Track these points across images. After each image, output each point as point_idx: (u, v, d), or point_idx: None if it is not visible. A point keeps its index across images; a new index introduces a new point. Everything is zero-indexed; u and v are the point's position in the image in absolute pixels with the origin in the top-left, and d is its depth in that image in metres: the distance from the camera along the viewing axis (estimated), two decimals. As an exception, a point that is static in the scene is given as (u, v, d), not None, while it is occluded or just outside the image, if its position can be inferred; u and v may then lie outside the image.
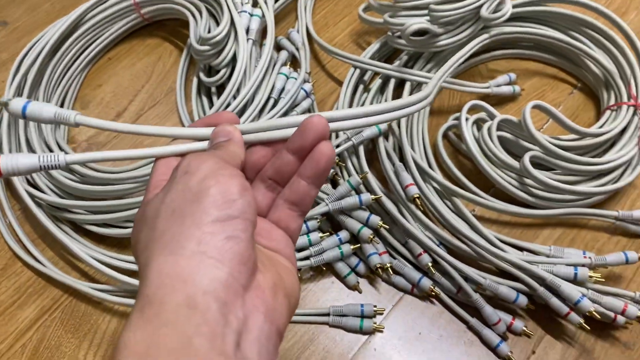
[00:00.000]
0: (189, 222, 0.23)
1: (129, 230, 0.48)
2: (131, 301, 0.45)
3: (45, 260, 0.49)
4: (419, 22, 0.49)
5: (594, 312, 0.41)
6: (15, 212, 0.52)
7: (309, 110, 0.54)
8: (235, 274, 0.22)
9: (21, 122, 0.52)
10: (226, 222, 0.23)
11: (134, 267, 0.47)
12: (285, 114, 0.51)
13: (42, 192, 0.49)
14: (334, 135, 0.52)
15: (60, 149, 0.52)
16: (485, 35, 0.52)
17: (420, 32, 0.51)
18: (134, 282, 0.45)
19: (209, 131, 0.28)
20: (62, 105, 0.58)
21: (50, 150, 0.52)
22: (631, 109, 0.50)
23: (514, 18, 0.55)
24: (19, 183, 0.49)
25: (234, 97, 0.50)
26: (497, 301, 0.45)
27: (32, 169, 0.28)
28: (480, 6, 0.50)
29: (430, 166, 0.50)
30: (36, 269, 0.48)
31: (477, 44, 0.51)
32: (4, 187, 0.53)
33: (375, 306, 0.45)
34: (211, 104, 0.54)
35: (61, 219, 0.50)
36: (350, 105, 0.54)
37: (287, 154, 0.27)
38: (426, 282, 0.45)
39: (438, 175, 0.49)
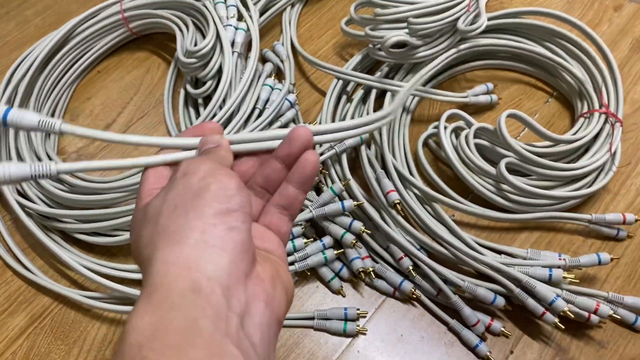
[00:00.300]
0: (191, 215, 0.24)
1: (118, 238, 0.49)
2: (121, 308, 0.46)
3: (36, 269, 0.49)
4: (398, 35, 0.51)
5: (567, 312, 0.43)
6: (6, 223, 0.53)
7: (293, 120, 0.55)
8: (237, 261, 0.23)
9: (11, 132, 0.54)
10: (227, 214, 0.24)
11: (123, 274, 0.48)
12: (270, 123, 0.52)
13: (32, 202, 0.50)
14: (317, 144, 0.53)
15: (50, 159, 0.53)
16: (453, 50, 0.54)
17: (400, 45, 0.53)
18: (124, 289, 0.46)
19: (196, 141, 0.30)
20: (52, 116, 0.59)
21: (40, 161, 0.53)
22: (603, 117, 0.52)
23: (490, 30, 0.58)
24: (9, 193, 0.50)
25: (220, 108, 0.52)
26: (476, 303, 0.46)
27: (23, 178, 0.28)
28: (457, 19, 0.52)
29: (411, 173, 0.52)
30: (26, 277, 0.49)
31: (441, 62, 0.53)
32: (-5, 197, 0.54)
33: (358, 309, 0.46)
34: (198, 115, 0.56)
35: (51, 228, 0.51)
36: (334, 115, 0.56)
37: (276, 162, 0.30)
38: (407, 285, 0.47)
39: (418, 181, 0.50)
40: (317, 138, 0.30)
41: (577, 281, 0.46)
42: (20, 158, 0.52)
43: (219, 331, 0.21)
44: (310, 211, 0.48)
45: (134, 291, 0.46)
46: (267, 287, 0.25)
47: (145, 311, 0.22)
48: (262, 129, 0.51)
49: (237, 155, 0.30)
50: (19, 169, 0.28)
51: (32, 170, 0.29)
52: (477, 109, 0.57)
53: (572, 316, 0.43)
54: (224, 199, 0.25)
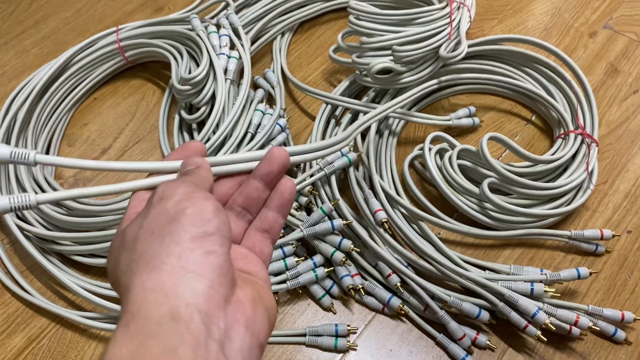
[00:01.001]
0: (168, 241, 0.24)
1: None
2: (102, 324, 0.48)
3: (34, 291, 0.51)
4: (382, 62, 0.54)
5: (549, 324, 0.44)
6: (4, 246, 0.54)
7: (284, 143, 0.57)
8: (216, 286, 0.23)
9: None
10: (204, 238, 0.24)
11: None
12: (262, 147, 0.54)
13: (31, 225, 0.52)
14: (307, 164, 0.55)
15: (49, 184, 0.55)
16: (434, 81, 0.57)
17: (385, 71, 0.56)
18: (120, 308, 0.47)
19: (179, 163, 0.31)
20: (49, 143, 0.61)
21: (40, 187, 0.55)
22: (579, 137, 0.54)
23: (471, 56, 0.61)
24: (8, 217, 0.52)
25: (214, 132, 0.54)
26: (462, 317, 0.48)
27: (3, 211, 0.29)
28: (439, 46, 0.55)
29: (397, 193, 0.54)
30: (24, 299, 0.50)
31: (419, 91, 0.56)
32: (-7, 221, 0.55)
33: (348, 325, 0.48)
34: (192, 139, 0.57)
35: (49, 250, 0.52)
36: (323, 138, 0.58)
37: (255, 181, 0.31)
38: (395, 301, 0.48)
39: (405, 201, 0.52)
40: (292, 158, 0.32)
41: (559, 295, 0.48)
42: (20, 185, 0.54)
43: (199, 359, 0.21)
44: (301, 230, 0.49)
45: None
46: (248, 311, 0.24)
47: (123, 340, 0.21)
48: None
49: (217, 178, 0.31)
50: None
51: (12, 203, 0.29)
52: (460, 131, 0.59)
53: (554, 328, 0.45)
54: (201, 223, 0.24)
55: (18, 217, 0.53)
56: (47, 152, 0.60)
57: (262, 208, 0.31)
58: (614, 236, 0.51)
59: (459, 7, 0.58)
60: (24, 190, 0.54)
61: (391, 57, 0.55)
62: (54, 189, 0.54)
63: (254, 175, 0.31)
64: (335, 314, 0.49)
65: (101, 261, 0.51)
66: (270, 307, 0.27)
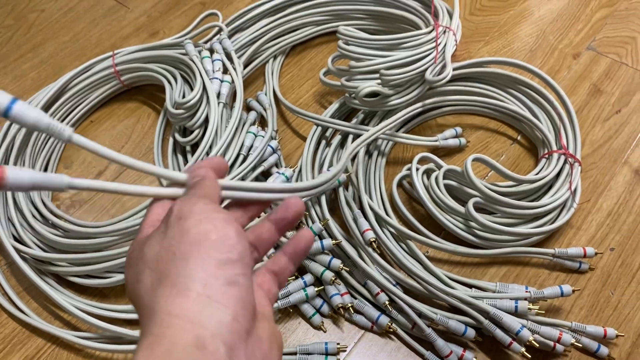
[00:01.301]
0: (192, 264, 0.24)
1: (109, 280, 0.52)
2: (112, 347, 0.49)
3: (30, 311, 0.52)
4: (370, 86, 0.56)
5: (532, 341, 0.45)
6: (2, 267, 0.55)
7: (275, 164, 0.59)
8: (240, 319, 0.24)
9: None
10: (227, 265, 0.25)
11: (115, 314, 0.50)
12: (253, 169, 0.56)
13: (28, 246, 0.53)
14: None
15: (45, 206, 0.56)
16: (418, 104, 0.59)
17: (373, 94, 0.57)
18: (115, 328, 0.49)
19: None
20: (47, 165, 0.62)
21: (37, 209, 0.56)
22: (562, 157, 0.56)
23: (457, 78, 0.62)
24: (5, 238, 0.53)
25: (207, 154, 0.55)
26: (449, 335, 0.49)
27: (33, 184, 0.27)
28: (425, 70, 0.57)
29: (386, 212, 0.55)
30: (21, 319, 0.51)
31: (401, 116, 0.58)
32: (-9, 243, 0.56)
33: (338, 344, 0.49)
34: (186, 161, 0.59)
35: (45, 271, 0.53)
36: (314, 159, 0.59)
37: (268, 222, 0.31)
38: (384, 320, 0.49)
39: (394, 220, 0.54)
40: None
41: (543, 312, 0.49)
42: (16, 205, 0.55)
43: None
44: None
45: (125, 330, 0.49)
46: (265, 348, 0.25)
47: None
48: (246, 174, 0.55)
49: (228, 204, 0.32)
50: (30, 173, 0.27)
51: (45, 180, 0.28)
52: (447, 152, 0.61)
53: (537, 345, 0.46)
54: (225, 249, 0.25)
55: (15, 239, 0.54)
56: (44, 175, 0.61)
57: (278, 252, 0.32)
58: (596, 254, 0.52)
59: (445, 32, 0.60)
60: (21, 213, 0.55)
61: (379, 81, 0.57)
62: (50, 211, 0.55)
63: (268, 218, 0.31)
64: (325, 332, 0.51)
65: (97, 282, 0.52)
66: (280, 343, 0.28)
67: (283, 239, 0.50)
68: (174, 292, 0.23)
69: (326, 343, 0.49)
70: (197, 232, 0.25)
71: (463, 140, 0.61)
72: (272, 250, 0.49)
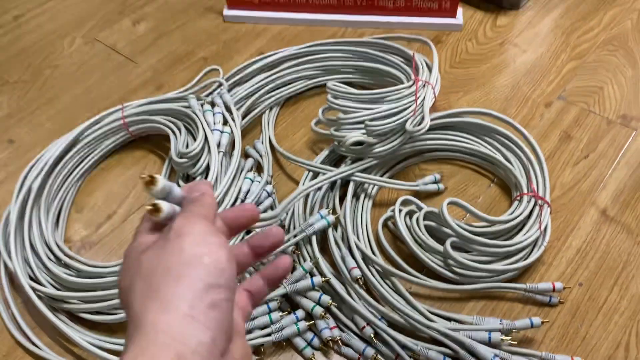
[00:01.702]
0: (182, 285, 0.26)
1: (117, 317, 0.56)
2: (118, 378, 0.53)
3: (43, 346, 0.56)
4: (356, 136, 0.61)
5: (504, 369, 0.50)
6: (18, 304, 0.59)
7: (271, 207, 0.64)
8: (217, 341, 0.26)
9: (25, 225, 0.62)
10: (214, 289, 0.27)
11: (122, 348, 0.54)
12: (250, 212, 0.61)
13: (42, 285, 0.58)
14: (292, 225, 0.62)
15: (59, 247, 0.61)
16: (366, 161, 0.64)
17: (359, 143, 0.63)
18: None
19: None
20: (60, 210, 0.67)
21: (51, 250, 0.61)
22: (532, 199, 0.61)
23: (437, 127, 0.68)
24: (22, 278, 0.57)
25: (207, 200, 0.60)
26: (430, 365, 0.53)
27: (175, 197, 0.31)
28: (406, 121, 0.62)
29: (372, 251, 0.60)
30: (35, 354, 0.56)
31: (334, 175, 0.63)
32: (8, 282, 0.61)
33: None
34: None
35: (58, 308, 0.58)
36: (305, 202, 0.65)
37: (245, 246, 0.34)
38: (370, 351, 0.54)
39: (379, 259, 0.58)
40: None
41: (516, 343, 0.53)
42: (33, 248, 0.60)
43: None
44: (285, 287, 0.55)
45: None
46: None
47: None
48: (243, 217, 0.60)
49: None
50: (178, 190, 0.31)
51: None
52: (428, 195, 0.66)
53: (509, 373, 0.50)
54: (215, 273, 0.27)
55: (30, 279, 0.59)
56: (58, 218, 0.66)
57: (256, 273, 0.35)
58: (564, 288, 0.57)
59: (424, 85, 0.66)
60: (37, 255, 0.60)
61: (364, 131, 0.62)
62: (63, 252, 0.60)
63: (246, 241, 0.34)
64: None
65: (106, 318, 0.56)
66: None
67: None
68: (162, 308, 0.26)
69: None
70: (192, 254, 0.27)
71: (441, 185, 0.66)
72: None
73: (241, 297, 0.34)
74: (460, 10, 0.86)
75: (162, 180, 0.30)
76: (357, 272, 0.56)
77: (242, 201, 0.62)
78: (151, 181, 0.30)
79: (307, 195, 0.66)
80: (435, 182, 0.66)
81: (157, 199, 0.30)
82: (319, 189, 0.66)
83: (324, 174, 0.64)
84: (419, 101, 0.64)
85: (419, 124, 0.63)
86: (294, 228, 0.61)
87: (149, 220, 0.32)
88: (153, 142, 0.74)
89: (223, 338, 0.27)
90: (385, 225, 0.63)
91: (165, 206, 0.30)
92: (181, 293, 0.26)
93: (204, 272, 0.27)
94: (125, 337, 0.27)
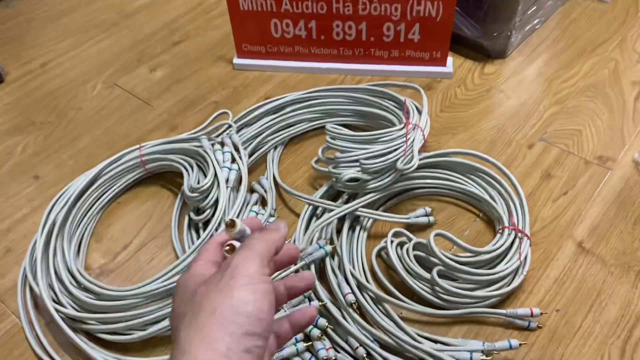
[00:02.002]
0: (225, 326, 0.30)
1: (131, 337, 0.61)
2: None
3: (64, 363, 0.61)
4: (351, 173, 0.68)
5: (484, 386, 0.54)
6: (42, 327, 0.65)
7: (273, 239, 0.70)
8: None
9: (50, 253, 0.68)
10: (250, 337, 0.30)
11: (135, 365, 0.60)
12: (254, 242, 0.67)
13: (64, 307, 0.63)
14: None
15: (80, 273, 0.66)
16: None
17: (354, 179, 0.69)
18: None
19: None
20: (81, 240, 0.73)
21: (74, 277, 0.66)
22: (513, 232, 0.67)
23: (427, 165, 0.75)
24: (47, 300, 0.63)
25: (216, 230, 0.66)
26: (417, 383, 0.58)
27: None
28: (397, 160, 0.69)
29: (366, 279, 0.66)
30: (56, 370, 0.61)
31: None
32: (33, 305, 0.66)
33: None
34: (198, 236, 0.70)
35: (77, 329, 0.63)
36: (306, 232, 0.70)
37: (282, 287, 0.39)
38: (362, 369, 0.59)
39: (372, 286, 0.64)
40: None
41: (496, 363, 0.58)
42: (57, 274, 0.66)
43: None
44: (285, 311, 0.61)
45: (143, 379, 0.58)
46: None
47: None
48: (248, 247, 0.66)
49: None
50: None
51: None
52: (419, 227, 0.72)
53: (489, 390, 0.55)
54: (255, 323, 0.30)
55: (54, 301, 0.64)
56: (79, 248, 0.72)
57: (283, 317, 0.39)
58: (542, 313, 0.62)
59: (414, 128, 0.73)
60: (60, 280, 0.66)
61: (359, 169, 0.69)
62: (84, 277, 0.66)
63: (283, 282, 0.39)
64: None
65: (121, 338, 0.61)
66: None
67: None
68: (204, 344, 0.30)
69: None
70: (239, 299, 0.31)
71: (432, 218, 0.72)
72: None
73: (270, 340, 0.38)
74: (450, 60, 0.94)
75: (239, 224, 0.36)
76: (351, 298, 0.61)
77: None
78: (232, 224, 0.35)
79: (308, 226, 0.72)
80: (426, 215, 0.72)
81: (234, 240, 0.37)
82: (319, 219, 0.72)
83: (329, 210, 0.70)
84: (409, 142, 0.70)
85: (409, 163, 0.69)
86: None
87: (206, 250, 0.37)
88: (166, 178, 0.81)
89: None
90: (378, 255, 0.69)
91: (239, 224, 0.36)
92: (221, 337, 0.30)
93: (246, 321, 0.30)
94: (170, 356, 0.31)
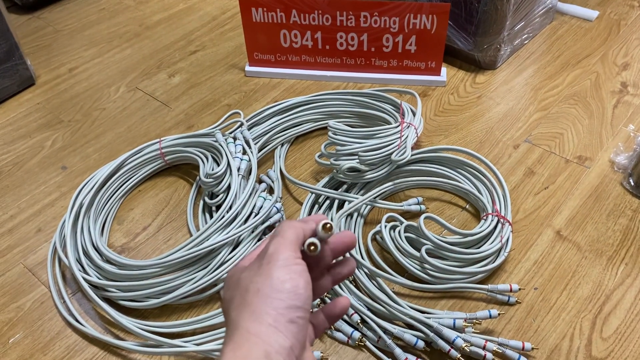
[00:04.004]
0: (268, 303, 0.34)
1: (148, 303, 0.68)
2: (151, 350, 0.64)
3: (88, 326, 0.68)
4: (350, 163, 0.75)
5: (464, 347, 0.61)
6: (69, 296, 0.72)
7: (279, 220, 0.77)
8: (294, 348, 0.33)
9: (78, 230, 0.75)
10: (292, 309, 0.34)
11: (152, 329, 0.66)
12: (262, 222, 0.74)
13: (89, 275, 0.70)
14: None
15: (104, 248, 0.74)
16: (390, 183, 0.78)
17: (354, 170, 0.77)
18: (152, 337, 0.65)
19: None
20: (104, 222, 0.81)
21: (98, 251, 0.74)
22: (495, 218, 0.74)
23: (421, 160, 0.82)
24: (75, 268, 0.70)
25: (227, 212, 0.74)
26: (405, 347, 0.64)
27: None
28: (391, 153, 0.76)
29: (362, 257, 0.72)
30: (82, 331, 0.68)
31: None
32: (61, 276, 0.74)
33: (322, 353, 0.64)
34: (211, 217, 0.78)
35: (100, 296, 0.70)
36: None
37: (321, 315, 0.43)
38: (356, 334, 0.65)
39: (367, 262, 0.71)
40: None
41: (478, 332, 0.65)
42: (84, 248, 0.73)
43: None
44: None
45: (160, 338, 0.65)
46: None
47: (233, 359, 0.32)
48: (256, 226, 0.73)
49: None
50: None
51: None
52: (412, 215, 0.79)
53: (469, 351, 0.61)
54: (294, 297, 0.34)
55: (80, 271, 0.72)
56: (103, 228, 0.80)
57: (318, 309, 0.43)
58: (520, 289, 0.68)
59: (408, 126, 0.80)
60: (86, 253, 0.73)
61: (357, 160, 0.76)
62: (108, 251, 0.73)
63: (321, 310, 0.43)
64: (312, 345, 0.66)
65: (140, 304, 0.68)
66: None
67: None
68: (252, 318, 0.33)
69: (314, 352, 0.64)
70: (277, 279, 0.34)
71: (423, 207, 0.79)
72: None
73: (309, 329, 0.41)
74: (444, 70, 1.02)
75: (335, 228, 0.40)
76: (348, 271, 0.68)
77: (256, 214, 0.75)
78: (330, 227, 0.38)
79: (310, 213, 0.79)
80: (418, 203, 0.79)
81: (319, 239, 0.39)
82: (320, 207, 0.79)
83: (350, 201, 0.78)
84: (402, 138, 0.78)
85: (402, 155, 0.77)
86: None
87: (259, 248, 0.40)
88: (183, 170, 0.88)
89: (298, 346, 0.34)
90: (374, 239, 0.76)
91: (334, 226, 0.39)
92: (267, 310, 0.33)
93: (286, 296, 0.34)
94: (225, 336, 0.35)
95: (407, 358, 0.63)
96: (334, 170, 0.80)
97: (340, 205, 0.79)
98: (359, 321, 0.65)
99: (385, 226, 0.73)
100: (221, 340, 0.65)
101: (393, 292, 0.69)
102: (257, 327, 0.33)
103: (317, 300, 0.68)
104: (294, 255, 0.36)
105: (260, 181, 0.84)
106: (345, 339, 0.66)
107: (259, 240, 0.73)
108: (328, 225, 0.38)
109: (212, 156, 0.82)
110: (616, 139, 0.89)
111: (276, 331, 0.33)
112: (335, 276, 0.42)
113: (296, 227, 0.38)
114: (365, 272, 0.70)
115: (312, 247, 0.38)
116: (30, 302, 0.72)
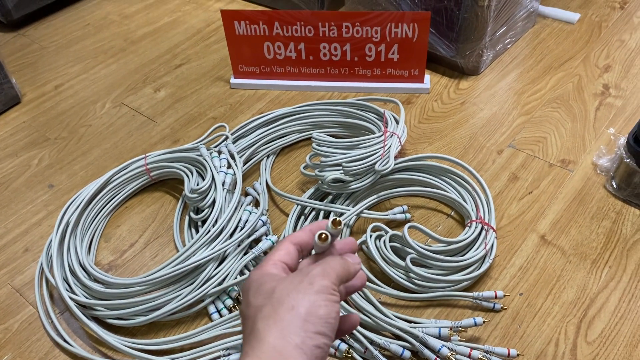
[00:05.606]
0: (301, 323, 0.35)
1: (136, 321, 0.68)
2: (137, 369, 0.65)
3: (77, 345, 0.68)
4: (334, 174, 0.76)
5: (450, 357, 0.61)
6: (56, 316, 0.72)
7: (265, 234, 0.77)
8: None
9: (65, 249, 0.75)
10: (320, 336, 0.35)
11: (140, 347, 0.66)
12: (248, 236, 0.74)
13: (76, 294, 0.70)
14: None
15: (91, 267, 0.74)
16: (374, 196, 0.78)
17: (338, 180, 0.77)
18: (140, 354, 0.65)
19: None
20: (91, 240, 0.81)
21: (85, 270, 0.74)
22: (479, 225, 0.74)
23: (403, 169, 0.82)
24: (62, 288, 0.70)
25: (213, 226, 0.74)
26: (392, 358, 0.64)
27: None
28: (375, 163, 0.77)
29: (348, 269, 0.73)
30: (70, 351, 0.68)
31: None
32: (49, 296, 0.74)
33: (309, 365, 0.64)
34: (197, 232, 0.78)
35: (88, 315, 0.70)
36: (295, 229, 0.78)
37: (342, 289, 0.43)
38: (343, 346, 0.65)
39: (353, 274, 0.71)
40: None
41: (465, 339, 0.65)
42: (71, 269, 0.74)
43: None
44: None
45: (148, 356, 0.65)
46: None
47: None
48: (242, 240, 0.73)
49: None
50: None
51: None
52: (397, 224, 0.79)
53: None
54: (324, 325, 0.35)
55: (68, 291, 0.72)
56: (90, 247, 0.80)
57: None
58: (505, 295, 0.69)
59: (391, 136, 0.81)
60: (73, 273, 0.73)
61: (341, 171, 0.77)
62: (95, 270, 0.73)
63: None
64: None
65: (127, 322, 0.68)
66: None
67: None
68: (281, 336, 0.34)
69: (300, 364, 0.64)
70: (314, 302, 0.36)
71: (408, 215, 0.80)
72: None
73: None
74: (427, 77, 1.03)
75: (342, 225, 0.42)
76: (334, 283, 0.69)
77: (242, 228, 0.75)
78: (338, 223, 0.40)
79: (296, 224, 0.79)
80: (403, 212, 0.79)
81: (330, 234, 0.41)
82: (306, 218, 0.79)
83: (335, 213, 0.78)
84: (386, 147, 0.78)
85: (385, 165, 0.77)
86: (284, 251, 0.74)
87: (279, 250, 0.41)
88: (169, 185, 0.89)
89: None
90: (360, 249, 0.76)
91: (343, 224, 0.43)
92: (297, 331, 0.34)
93: (319, 322, 0.35)
94: (244, 342, 0.36)
95: (394, 368, 0.63)
96: (319, 182, 0.80)
97: (326, 217, 0.79)
98: (345, 333, 0.66)
99: (371, 236, 0.73)
100: (210, 356, 0.65)
101: (379, 302, 0.69)
102: (284, 346, 0.34)
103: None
104: (333, 286, 0.38)
105: (246, 194, 0.84)
106: (333, 351, 0.66)
107: (245, 254, 0.73)
108: (337, 220, 0.40)
109: (197, 170, 0.83)
110: (598, 141, 0.90)
111: (302, 353, 0.34)
112: (348, 289, 0.44)
113: (344, 265, 0.40)
114: (351, 283, 0.71)
115: (323, 236, 0.40)
116: (18, 323, 0.72)
